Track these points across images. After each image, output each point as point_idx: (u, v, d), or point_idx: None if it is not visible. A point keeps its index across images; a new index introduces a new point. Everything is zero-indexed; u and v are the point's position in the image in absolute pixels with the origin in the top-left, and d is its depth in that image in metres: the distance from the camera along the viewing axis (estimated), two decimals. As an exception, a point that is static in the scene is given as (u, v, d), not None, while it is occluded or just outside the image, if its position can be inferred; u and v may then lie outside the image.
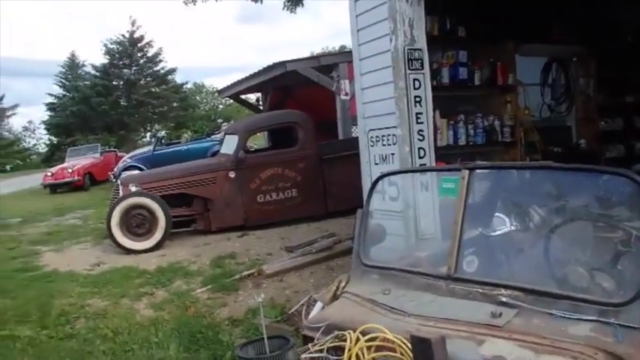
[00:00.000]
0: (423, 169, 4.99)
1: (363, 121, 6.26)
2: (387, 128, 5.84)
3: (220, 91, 18.90)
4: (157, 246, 8.63)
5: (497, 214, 3.38)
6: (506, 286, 2.66)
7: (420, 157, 5.62)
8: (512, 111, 7.07)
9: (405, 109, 5.53)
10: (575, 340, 2.35)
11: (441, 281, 2.88)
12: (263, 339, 2.33)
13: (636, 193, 2.39)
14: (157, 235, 8.67)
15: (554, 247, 3.10)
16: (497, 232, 3.36)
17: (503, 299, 2.61)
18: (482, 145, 6.85)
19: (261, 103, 16.94)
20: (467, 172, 2.95)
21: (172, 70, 42.25)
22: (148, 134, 42.78)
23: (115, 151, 25.03)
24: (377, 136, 6.01)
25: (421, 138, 5.61)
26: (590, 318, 2.40)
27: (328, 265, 7.21)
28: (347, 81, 11.29)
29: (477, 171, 3.02)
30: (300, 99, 13.77)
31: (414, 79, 5.54)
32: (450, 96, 6.61)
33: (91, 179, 20.45)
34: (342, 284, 3.41)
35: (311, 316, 3.56)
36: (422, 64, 5.58)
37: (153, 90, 40.86)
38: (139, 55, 41.04)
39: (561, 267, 2.97)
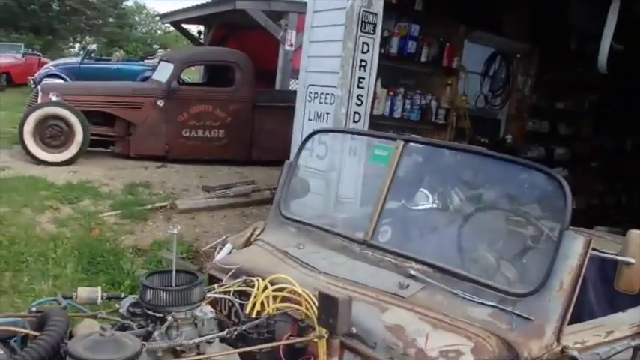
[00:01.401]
0: (359, 132, 4.97)
1: (304, 75, 6.18)
2: (327, 86, 5.79)
3: (162, 16, 18.14)
4: (70, 161, 8.28)
5: (422, 189, 3.43)
6: (417, 260, 2.71)
7: (355, 122, 5.63)
8: (450, 94, 7.14)
9: (348, 71, 5.50)
10: (473, 321, 2.42)
11: (356, 245, 2.90)
12: (171, 271, 2.26)
13: (557, 194, 2.46)
14: (72, 150, 8.29)
15: (468, 230, 3.19)
16: (419, 207, 3.42)
17: (413, 272, 2.65)
18: (416, 121, 6.89)
19: (202, 37, 16.35)
20: (402, 143, 2.95)
21: (114, -18, 40.01)
22: (77, 45, 40.45)
23: (39, 55, 23.35)
24: (316, 92, 5.95)
25: (359, 102, 5.61)
26: (489, 303, 2.47)
27: (243, 212, 7.18)
28: (294, 32, 11.07)
29: (412, 144, 3.02)
30: (243, 41, 13.35)
31: (364, 43, 5.50)
32: (394, 67, 6.59)
33: (8, 80, 19.25)
34: (257, 232, 3.38)
35: (218, 257, 3.52)
36: (374, 29, 5.55)
37: (89, -1, 38.57)
38: (81, -43, 38.46)
39: (471, 251, 3.05)
